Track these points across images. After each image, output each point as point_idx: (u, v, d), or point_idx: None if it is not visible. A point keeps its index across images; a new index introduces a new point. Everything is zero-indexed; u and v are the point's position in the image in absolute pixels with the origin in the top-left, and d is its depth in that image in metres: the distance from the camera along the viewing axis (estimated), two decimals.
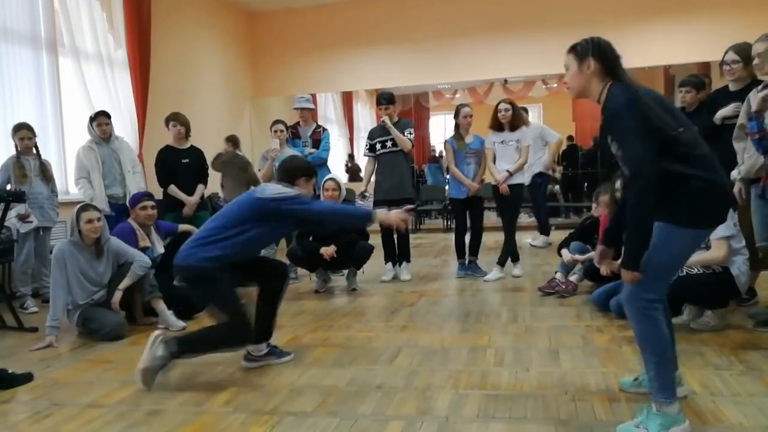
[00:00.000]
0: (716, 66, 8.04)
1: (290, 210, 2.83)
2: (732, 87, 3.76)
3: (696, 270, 3.22)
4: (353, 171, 12.54)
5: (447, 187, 5.57)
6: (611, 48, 2.18)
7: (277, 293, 3.07)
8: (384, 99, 5.33)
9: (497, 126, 5.15)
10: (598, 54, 2.15)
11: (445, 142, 5.45)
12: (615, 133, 2.06)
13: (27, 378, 2.94)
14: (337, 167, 11.31)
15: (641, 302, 2.04)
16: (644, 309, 2.04)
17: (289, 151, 5.25)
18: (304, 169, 3.12)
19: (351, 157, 12.84)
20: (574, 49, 2.21)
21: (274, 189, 2.89)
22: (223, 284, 2.79)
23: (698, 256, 3.24)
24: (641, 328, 2.07)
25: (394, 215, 2.90)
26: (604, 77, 2.15)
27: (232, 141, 7.17)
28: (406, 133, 5.29)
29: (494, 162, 5.19)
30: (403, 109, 13.57)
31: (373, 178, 5.47)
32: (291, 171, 3.06)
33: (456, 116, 5.31)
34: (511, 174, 5.05)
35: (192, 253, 2.81)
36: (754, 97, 3.23)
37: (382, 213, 2.93)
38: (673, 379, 2.10)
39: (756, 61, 3.28)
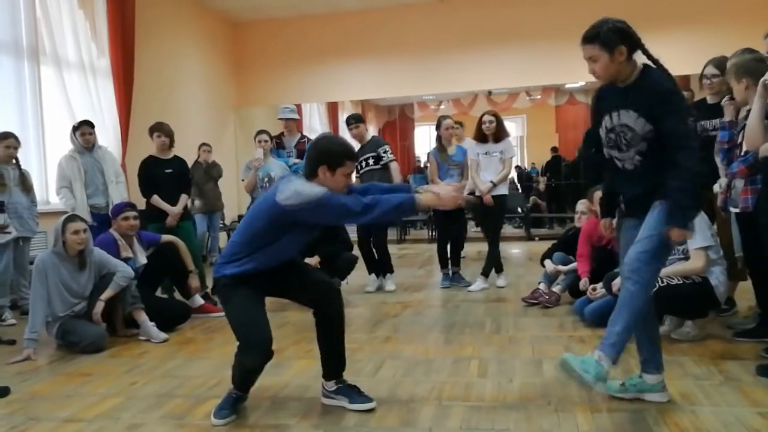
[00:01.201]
0: (696, 79, 8.20)
1: (312, 219, 2.40)
2: (710, 100, 3.84)
3: (676, 280, 3.25)
4: None
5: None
6: (630, 28, 2.24)
7: (331, 320, 2.58)
8: (352, 119, 5.38)
9: (481, 137, 5.19)
10: (627, 40, 2.21)
11: (428, 154, 5.49)
12: (668, 109, 2.17)
13: (3, 392, 2.88)
14: None
15: (646, 268, 2.18)
16: (646, 274, 2.18)
17: (273, 162, 5.24)
18: (327, 153, 2.42)
19: None
20: (597, 39, 2.22)
21: (289, 189, 2.36)
22: (238, 300, 2.48)
23: (678, 267, 3.29)
24: (635, 288, 2.18)
25: (444, 197, 2.45)
26: (631, 57, 2.24)
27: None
28: (380, 152, 5.29)
29: (477, 173, 5.21)
30: (388, 120, 13.65)
31: None
32: (310, 160, 2.45)
33: (438, 128, 5.35)
34: (495, 185, 5.08)
35: (217, 269, 2.54)
36: (726, 108, 3.35)
37: (427, 197, 2.46)
38: (624, 345, 2.23)
39: (705, 82, 3.57)
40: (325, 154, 2.43)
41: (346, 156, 2.45)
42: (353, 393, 2.55)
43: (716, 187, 3.49)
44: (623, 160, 2.36)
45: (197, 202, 7.02)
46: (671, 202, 2.18)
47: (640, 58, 2.30)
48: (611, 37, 2.20)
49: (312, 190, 2.36)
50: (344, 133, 14.01)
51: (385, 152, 5.31)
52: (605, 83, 2.37)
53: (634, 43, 2.23)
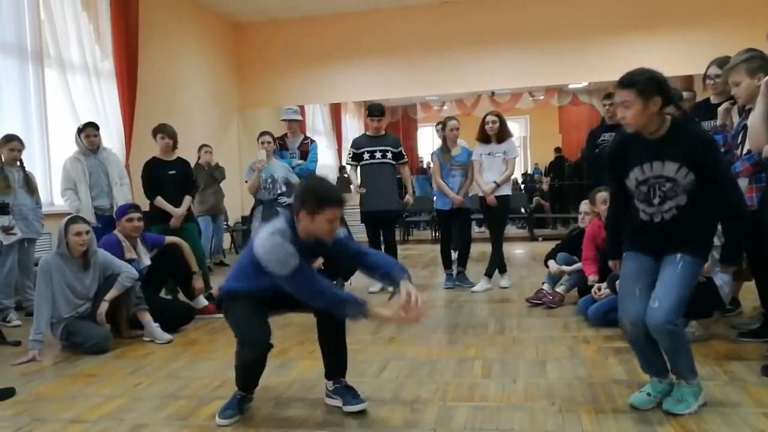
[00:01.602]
0: (699, 79, 8.18)
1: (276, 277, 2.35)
2: (713, 100, 3.82)
3: None
4: (344, 182, 12.52)
5: (435, 198, 5.59)
6: (667, 81, 2.27)
7: (331, 322, 2.55)
8: (377, 111, 5.34)
9: (484, 138, 5.18)
10: (664, 92, 2.22)
11: (432, 154, 5.49)
12: (716, 157, 2.27)
13: (9, 393, 2.89)
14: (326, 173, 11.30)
15: (672, 325, 2.23)
16: (675, 328, 2.24)
17: (276, 163, 5.25)
18: (310, 197, 2.35)
19: (342, 169, 12.83)
20: (633, 86, 2.21)
21: (266, 246, 2.33)
22: (237, 306, 2.49)
23: None
24: (672, 342, 2.27)
25: (392, 316, 2.45)
26: (663, 109, 2.25)
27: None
28: (401, 150, 5.38)
29: (481, 174, 5.22)
30: (392, 121, 13.66)
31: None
32: (296, 199, 2.42)
33: (443, 128, 5.35)
34: (498, 185, 5.08)
35: (222, 287, 2.59)
36: (735, 115, 3.32)
37: (382, 313, 2.46)
38: (692, 364, 2.36)
39: (709, 82, 3.51)
40: (308, 198, 2.35)
41: (327, 203, 2.34)
42: (348, 394, 2.54)
43: None
44: (652, 213, 2.34)
45: (197, 205, 6.96)
46: (733, 243, 2.38)
47: None
48: (648, 87, 2.20)
49: (286, 262, 2.31)
50: (346, 132, 14.01)
51: (403, 153, 5.41)
52: (624, 136, 2.38)
53: (668, 96, 2.24)
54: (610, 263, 2.68)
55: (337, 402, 2.56)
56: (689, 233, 2.31)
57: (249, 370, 2.52)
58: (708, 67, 3.79)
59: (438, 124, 6.59)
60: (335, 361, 2.62)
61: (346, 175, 7.71)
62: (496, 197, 5.09)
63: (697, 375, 2.37)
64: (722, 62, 3.64)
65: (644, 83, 2.20)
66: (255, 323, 2.45)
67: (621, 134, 2.43)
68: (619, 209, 2.51)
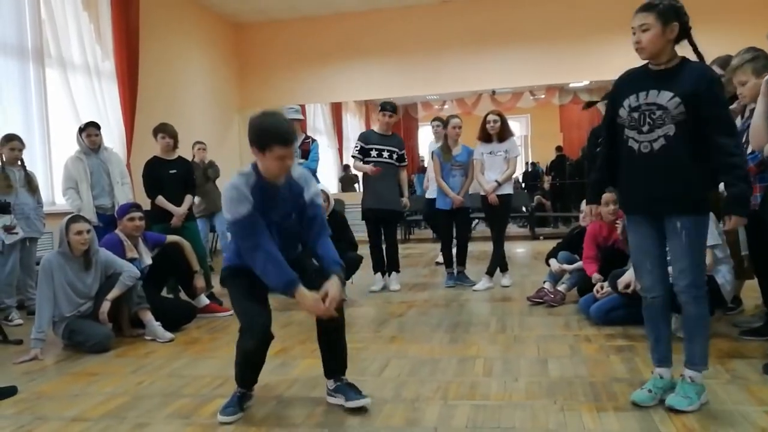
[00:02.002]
0: None
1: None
2: None
3: None
4: (348, 180, 12.53)
5: (435, 198, 5.58)
6: (687, 14, 2.25)
7: (330, 320, 2.49)
8: (390, 106, 5.30)
9: (486, 137, 5.18)
10: (683, 20, 2.22)
11: (432, 153, 5.48)
12: (717, 96, 2.21)
13: (11, 391, 2.90)
14: (326, 178, 11.32)
15: (701, 290, 2.28)
16: (704, 293, 2.29)
17: None
18: (255, 132, 2.34)
19: (346, 167, 12.83)
20: (655, 9, 2.21)
21: (224, 193, 2.39)
22: (237, 288, 2.51)
23: None
24: (698, 311, 2.30)
25: (310, 304, 2.35)
26: (678, 41, 2.25)
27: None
28: (404, 153, 5.38)
29: (482, 173, 5.21)
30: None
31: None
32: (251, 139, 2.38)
33: (444, 126, 5.35)
34: (500, 184, 5.08)
35: (223, 260, 2.63)
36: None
37: (303, 293, 2.34)
38: (708, 350, 2.37)
39: (726, 76, 3.39)
40: (253, 133, 2.33)
41: (273, 139, 2.29)
42: (350, 391, 2.54)
43: (722, 186, 3.47)
44: (640, 142, 2.30)
45: (197, 204, 6.80)
46: (735, 191, 2.23)
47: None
48: (669, 11, 2.20)
49: (236, 205, 2.33)
50: (347, 131, 14.00)
51: (404, 156, 5.40)
52: (630, 69, 2.39)
53: (685, 29, 2.23)
54: (586, 208, 2.69)
55: (339, 400, 2.55)
56: (677, 177, 2.25)
57: (249, 363, 2.52)
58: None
59: (434, 119, 6.61)
60: (335, 361, 2.62)
61: (352, 173, 7.66)
62: (498, 196, 5.09)
63: (707, 368, 2.35)
64: (723, 61, 3.63)
65: (665, 7, 2.20)
66: (255, 311, 2.45)
67: (629, 69, 2.42)
68: (607, 146, 2.49)
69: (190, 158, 6.76)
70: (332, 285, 2.39)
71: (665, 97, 2.23)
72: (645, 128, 2.28)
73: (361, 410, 2.49)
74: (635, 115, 2.30)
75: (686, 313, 2.34)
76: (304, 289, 2.35)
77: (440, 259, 6.40)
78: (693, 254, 2.27)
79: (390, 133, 5.37)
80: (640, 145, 2.30)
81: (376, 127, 5.49)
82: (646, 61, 2.34)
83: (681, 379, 2.36)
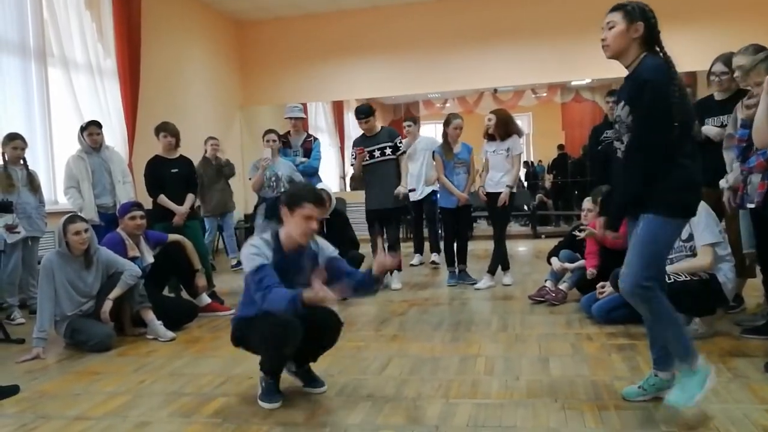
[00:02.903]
0: (702, 75, 8.15)
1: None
2: (717, 96, 3.81)
3: (683, 277, 3.24)
4: (355, 180, 12.48)
5: (438, 196, 5.60)
6: (655, 17, 2.24)
7: (322, 345, 2.68)
8: (362, 112, 5.29)
9: (489, 136, 5.20)
10: (646, 20, 2.21)
11: (434, 152, 5.49)
12: (640, 101, 2.14)
13: (13, 390, 2.90)
14: (328, 176, 11.31)
15: (647, 285, 2.19)
16: (652, 290, 2.20)
17: (280, 161, 5.25)
18: (289, 194, 2.60)
19: (344, 177, 12.79)
20: (623, 9, 2.24)
21: (244, 251, 2.53)
22: (255, 330, 2.53)
23: (685, 263, 3.27)
24: (648, 307, 2.23)
25: (321, 295, 2.35)
26: (642, 45, 2.23)
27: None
28: (397, 142, 5.33)
29: (487, 171, 5.23)
30: (394, 118, 13.63)
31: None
32: (280, 201, 2.60)
33: (446, 126, 5.35)
34: (511, 188, 5.08)
35: (235, 316, 2.71)
36: (741, 111, 3.28)
37: (308, 293, 2.36)
38: (691, 341, 2.26)
39: (737, 74, 3.34)
40: (287, 195, 2.58)
41: (305, 198, 2.50)
42: (308, 378, 2.72)
43: (722, 183, 3.47)
44: (621, 152, 2.33)
45: (207, 202, 6.66)
46: (622, 187, 2.25)
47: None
48: (635, 11, 2.22)
49: (253, 258, 2.46)
50: (348, 130, 14.03)
51: (401, 142, 5.39)
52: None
53: (652, 31, 2.23)
54: (597, 220, 2.68)
55: (297, 381, 2.73)
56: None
57: (279, 361, 2.59)
58: (713, 64, 3.76)
59: (408, 121, 6.63)
60: (311, 354, 2.71)
61: (353, 177, 7.68)
62: (499, 194, 5.09)
63: (696, 357, 2.24)
64: (727, 59, 3.61)
65: (632, 7, 2.23)
66: (276, 323, 2.43)
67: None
68: (597, 146, 2.53)
69: (201, 154, 6.77)
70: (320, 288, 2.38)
71: (621, 107, 2.26)
72: (623, 138, 2.29)
73: (360, 408, 2.49)
74: (616, 126, 2.35)
75: (642, 315, 2.29)
76: (307, 291, 2.37)
77: (435, 258, 6.50)
78: (643, 243, 2.20)
79: (377, 131, 5.35)
80: (620, 155, 2.33)
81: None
82: None
83: (679, 371, 2.30)
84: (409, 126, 6.60)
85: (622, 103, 2.26)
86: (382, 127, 5.48)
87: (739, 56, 3.26)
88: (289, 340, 2.47)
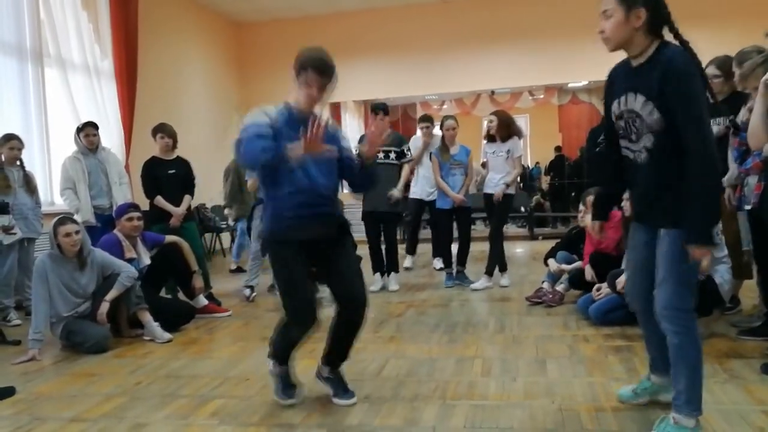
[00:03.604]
0: None
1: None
2: (712, 99, 3.80)
3: None
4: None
5: (435, 198, 5.58)
6: (664, 0, 1.97)
7: (350, 325, 2.55)
8: (380, 108, 5.28)
9: (490, 137, 5.22)
10: (650, 3, 1.93)
11: (431, 153, 5.48)
12: (682, 95, 1.87)
13: (9, 392, 2.89)
14: None
15: (681, 313, 2.00)
16: (684, 320, 2.00)
17: None
18: (297, 57, 2.44)
19: None
20: None
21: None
22: (283, 267, 2.46)
23: None
24: (680, 339, 2.00)
25: (298, 145, 2.26)
26: (651, 32, 1.95)
27: None
28: (405, 149, 5.34)
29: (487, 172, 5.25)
30: (391, 120, 13.64)
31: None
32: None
33: (440, 127, 5.37)
34: (508, 186, 5.10)
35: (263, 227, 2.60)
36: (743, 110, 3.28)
37: (294, 145, 2.28)
38: (701, 393, 2.05)
39: (736, 78, 3.35)
40: (297, 60, 2.43)
41: (308, 63, 2.40)
42: (340, 388, 2.60)
43: (723, 180, 3.47)
44: (634, 151, 2.08)
45: (235, 209, 6.53)
46: (690, 215, 1.90)
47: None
48: None
49: (248, 125, 2.35)
50: (346, 131, 14.00)
51: (408, 150, 5.38)
52: (616, 64, 2.15)
53: (658, 13, 1.94)
54: (588, 226, 2.50)
55: (327, 389, 2.62)
56: (666, 189, 2.01)
57: (293, 344, 2.57)
58: (706, 67, 3.76)
59: (422, 120, 6.49)
60: (339, 354, 2.64)
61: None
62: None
63: (695, 412, 2.02)
64: (721, 62, 3.63)
65: None
66: (303, 300, 2.44)
67: (616, 64, 2.15)
68: (610, 149, 2.25)
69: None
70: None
71: (639, 103, 1.99)
72: (633, 137, 2.06)
73: (358, 409, 2.50)
74: (621, 123, 2.10)
75: (669, 339, 2.04)
76: (292, 145, 2.28)
77: (436, 264, 6.36)
78: (673, 263, 1.98)
79: (387, 134, 5.35)
80: (635, 154, 2.09)
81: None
82: None
83: (664, 416, 2.11)
84: (426, 126, 6.27)
85: (634, 96, 2.00)
86: (394, 131, 5.46)
87: (747, 64, 3.27)
88: (308, 319, 2.44)
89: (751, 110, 3.19)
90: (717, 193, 2.01)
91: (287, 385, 2.63)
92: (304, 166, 2.38)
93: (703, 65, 3.73)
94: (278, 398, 2.61)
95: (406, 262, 6.68)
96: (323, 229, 2.47)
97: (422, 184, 6.25)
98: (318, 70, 2.40)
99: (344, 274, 2.52)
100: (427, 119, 6.31)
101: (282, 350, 2.60)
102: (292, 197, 2.40)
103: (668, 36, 2.00)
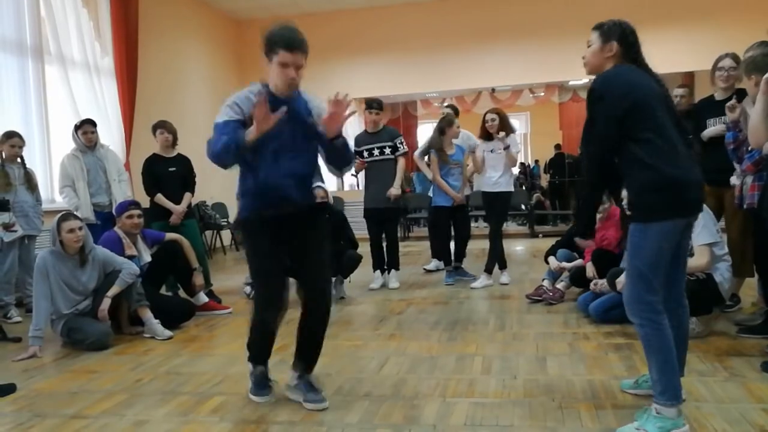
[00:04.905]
0: (699, 76, 8.17)
1: None
2: (717, 96, 3.81)
3: None
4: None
5: (433, 195, 5.56)
6: (635, 36, 2.26)
7: (313, 319, 2.54)
8: (375, 104, 5.29)
9: (486, 135, 5.19)
10: (622, 39, 2.24)
11: (430, 152, 5.43)
12: (590, 112, 2.19)
13: (10, 389, 2.90)
14: (325, 175, 11.29)
15: (642, 305, 2.11)
16: (646, 312, 2.11)
17: None
18: (265, 38, 2.36)
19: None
20: (600, 28, 2.29)
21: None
22: (256, 248, 2.47)
23: None
24: (645, 331, 2.12)
25: (258, 121, 2.24)
26: (621, 61, 2.24)
27: None
28: (397, 142, 5.31)
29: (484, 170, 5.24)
30: (392, 117, 13.64)
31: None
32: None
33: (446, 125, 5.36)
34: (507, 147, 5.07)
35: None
36: (749, 105, 3.27)
37: (249, 131, 2.29)
38: (677, 383, 2.11)
39: (721, 74, 3.43)
40: (264, 40, 2.34)
41: (279, 43, 2.30)
42: (310, 391, 2.54)
43: (733, 179, 3.48)
44: None
45: None
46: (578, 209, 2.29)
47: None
48: (611, 30, 2.25)
49: (219, 116, 2.35)
50: (346, 129, 14.02)
51: (401, 143, 5.34)
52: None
53: (629, 48, 2.24)
54: (577, 241, 2.71)
55: (297, 397, 2.56)
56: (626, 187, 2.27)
57: (265, 334, 2.56)
58: (720, 59, 3.75)
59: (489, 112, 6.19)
60: (308, 355, 2.61)
61: (352, 174, 7.45)
62: (498, 193, 5.10)
63: (672, 402, 2.07)
64: (735, 55, 3.65)
65: (608, 27, 2.27)
66: (270, 281, 2.46)
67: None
68: (611, 154, 2.31)
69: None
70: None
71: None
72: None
73: (358, 407, 2.49)
74: None
75: (636, 331, 2.19)
76: (247, 132, 2.27)
77: (428, 266, 6.24)
78: (631, 256, 2.14)
79: (379, 129, 5.35)
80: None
81: (366, 126, 5.48)
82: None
83: (647, 407, 2.16)
84: (493, 120, 5.94)
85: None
86: (383, 126, 5.46)
87: (751, 51, 3.28)
88: (274, 327, 2.50)
89: (731, 108, 3.24)
90: (586, 199, 2.39)
91: (262, 384, 2.62)
92: (275, 149, 2.35)
93: (716, 59, 3.76)
94: (252, 396, 2.61)
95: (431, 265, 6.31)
96: (291, 209, 2.43)
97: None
98: (290, 48, 2.31)
99: (311, 260, 2.50)
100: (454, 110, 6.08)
101: (259, 349, 2.62)
102: (260, 182, 2.40)
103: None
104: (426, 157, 5.93)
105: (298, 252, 2.50)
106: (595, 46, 2.27)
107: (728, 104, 3.38)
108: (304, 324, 2.56)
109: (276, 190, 2.41)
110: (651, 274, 2.10)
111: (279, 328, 2.58)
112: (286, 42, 2.31)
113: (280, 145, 2.39)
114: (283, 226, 2.44)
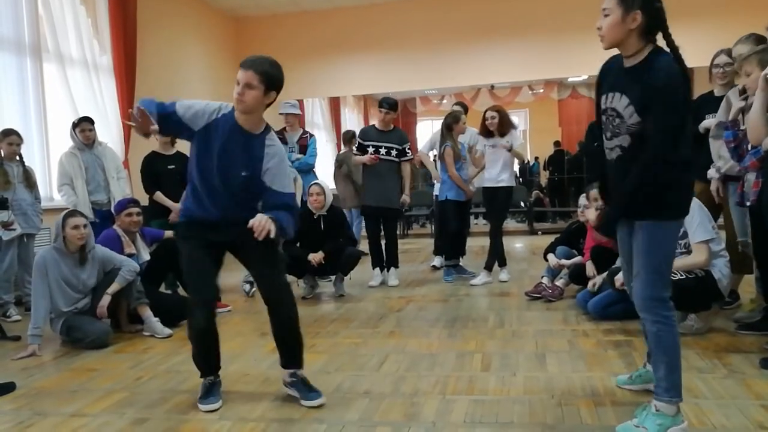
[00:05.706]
0: (699, 72, 8.16)
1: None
2: (717, 92, 3.81)
3: (678, 275, 3.24)
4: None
5: (443, 189, 5.50)
6: (661, 5, 2.00)
7: (280, 318, 2.58)
8: (388, 103, 5.27)
9: (486, 132, 5.20)
10: (648, 11, 1.97)
11: (445, 146, 5.32)
12: (658, 106, 1.95)
13: (9, 387, 2.90)
14: (324, 173, 11.30)
15: (657, 302, 2.07)
16: (662, 309, 2.08)
17: None
18: None
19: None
20: None
21: None
22: (189, 253, 2.55)
23: (680, 261, 3.27)
24: (658, 328, 2.08)
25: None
26: (645, 35, 2.00)
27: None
28: (406, 147, 5.31)
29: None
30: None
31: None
32: None
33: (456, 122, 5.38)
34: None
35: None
36: (734, 97, 3.27)
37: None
38: (681, 380, 2.11)
39: (717, 71, 3.43)
40: None
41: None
42: (305, 388, 2.57)
43: (711, 172, 3.50)
44: (608, 148, 2.17)
45: (354, 198, 6.80)
46: (622, 194, 2.08)
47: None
48: None
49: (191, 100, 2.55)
50: (345, 126, 14.01)
51: (409, 149, 5.36)
52: (610, 58, 2.17)
53: (655, 19, 1.98)
54: (591, 220, 2.61)
55: (294, 394, 2.59)
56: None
57: (203, 341, 2.57)
58: (716, 56, 3.75)
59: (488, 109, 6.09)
60: (289, 351, 2.63)
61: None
62: (499, 188, 5.11)
63: (675, 399, 2.06)
64: (730, 52, 3.65)
65: None
66: (198, 280, 2.54)
67: (610, 58, 2.20)
68: (593, 143, 2.37)
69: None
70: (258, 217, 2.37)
71: (623, 104, 2.05)
72: (608, 134, 2.14)
73: (357, 405, 2.50)
74: (604, 118, 2.15)
75: (647, 328, 2.13)
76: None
77: (435, 262, 6.22)
78: (648, 254, 2.06)
79: (390, 129, 5.35)
80: (607, 150, 2.19)
81: (376, 123, 5.48)
82: None
83: (646, 404, 2.15)
84: (493, 118, 5.90)
85: (620, 96, 2.05)
86: (394, 126, 5.45)
87: (740, 45, 3.27)
88: (210, 333, 2.55)
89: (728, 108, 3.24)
90: (643, 188, 2.03)
91: (209, 392, 2.59)
92: (214, 169, 2.47)
93: (713, 56, 3.75)
94: (198, 404, 2.56)
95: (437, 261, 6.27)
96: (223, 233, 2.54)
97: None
98: (242, 65, 2.49)
99: (258, 266, 2.61)
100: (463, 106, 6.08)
101: (203, 358, 2.62)
102: (197, 195, 2.55)
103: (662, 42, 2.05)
104: (432, 153, 5.94)
105: (243, 254, 2.61)
106: (615, 16, 1.98)
107: (738, 105, 3.30)
108: (273, 322, 2.60)
109: (207, 219, 2.54)
110: (667, 271, 2.11)
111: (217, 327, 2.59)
112: (242, 61, 2.48)
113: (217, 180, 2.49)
114: (218, 229, 2.53)
